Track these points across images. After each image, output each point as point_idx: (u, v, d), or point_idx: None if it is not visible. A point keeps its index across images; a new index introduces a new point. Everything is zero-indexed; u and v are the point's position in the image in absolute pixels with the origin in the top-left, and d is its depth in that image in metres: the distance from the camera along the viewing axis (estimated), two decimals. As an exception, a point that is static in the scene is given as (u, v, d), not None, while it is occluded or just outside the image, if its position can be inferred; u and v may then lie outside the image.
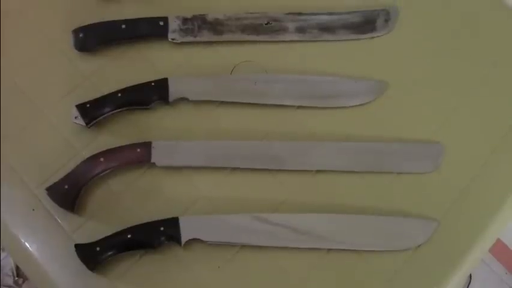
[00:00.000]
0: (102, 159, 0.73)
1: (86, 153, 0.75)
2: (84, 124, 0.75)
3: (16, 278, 1.22)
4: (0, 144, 0.76)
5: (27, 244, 0.73)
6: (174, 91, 0.77)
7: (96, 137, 0.77)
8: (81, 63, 0.81)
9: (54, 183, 0.72)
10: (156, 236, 0.70)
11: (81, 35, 0.80)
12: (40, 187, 0.74)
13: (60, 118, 0.78)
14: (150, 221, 0.71)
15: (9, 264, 1.18)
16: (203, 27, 0.82)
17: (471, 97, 0.82)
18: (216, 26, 0.82)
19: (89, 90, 0.80)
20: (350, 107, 0.80)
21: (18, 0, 0.85)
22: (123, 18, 0.82)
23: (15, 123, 0.78)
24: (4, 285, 1.20)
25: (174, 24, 0.81)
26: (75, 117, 0.75)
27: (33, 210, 0.74)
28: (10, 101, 0.79)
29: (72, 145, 0.77)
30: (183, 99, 0.78)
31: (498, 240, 1.23)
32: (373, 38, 0.85)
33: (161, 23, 0.81)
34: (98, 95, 0.78)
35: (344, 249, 0.72)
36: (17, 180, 0.75)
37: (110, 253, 0.69)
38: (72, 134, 0.77)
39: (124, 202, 0.74)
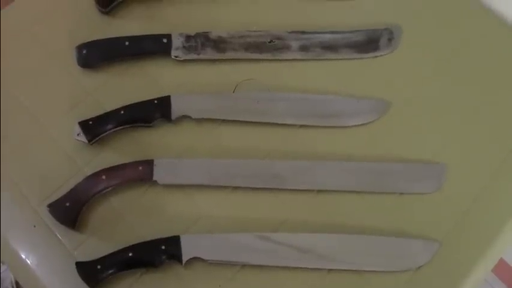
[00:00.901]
0: (104, 176, 0.74)
1: (88, 170, 0.77)
2: (86, 141, 0.77)
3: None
4: (2, 160, 0.77)
5: (27, 260, 0.74)
6: (176, 109, 0.78)
7: (98, 154, 0.78)
8: (84, 80, 0.83)
9: (56, 200, 0.73)
10: (157, 254, 0.71)
11: (84, 51, 0.82)
12: (42, 204, 0.75)
13: (63, 134, 0.79)
14: (151, 239, 0.72)
15: (9, 277, 1.19)
16: (206, 45, 0.83)
17: (474, 117, 0.83)
18: (219, 44, 0.84)
19: (92, 106, 0.81)
20: (352, 126, 0.81)
21: (22, 16, 0.86)
22: (126, 34, 0.84)
23: (18, 139, 0.79)
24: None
25: (177, 42, 0.83)
26: (78, 134, 0.77)
27: (35, 226, 0.75)
28: (12, 116, 0.80)
29: (74, 162, 0.78)
30: (186, 117, 0.79)
31: (501, 260, 1.24)
32: (376, 57, 0.86)
33: (164, 40, 0.83)
34: (100, 111, 0.79)
35: (345, 269, 0.73)
36: (19, 196, 0.76)
37: (110, 271, 0.70)
38: (74, 150, 0.78)
39: (125, 220, 0.75)
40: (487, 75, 0.86)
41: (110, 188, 0.75)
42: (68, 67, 0.83)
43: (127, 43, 0.82)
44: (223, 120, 0.80)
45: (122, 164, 0.76)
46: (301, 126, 0.81)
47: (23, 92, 0.82)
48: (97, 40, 0.83)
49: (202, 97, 0.80)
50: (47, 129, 0.80)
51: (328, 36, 0.86)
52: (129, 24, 0.87)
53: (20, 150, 0.79)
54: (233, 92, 0.83)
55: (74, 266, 0.70)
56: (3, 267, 0.73)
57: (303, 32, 0.86)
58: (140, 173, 0.75)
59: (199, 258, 0.71)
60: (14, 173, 0.77)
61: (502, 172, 0.79)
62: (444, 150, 0.81)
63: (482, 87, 0.85)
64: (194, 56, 0.83)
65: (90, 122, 0.77)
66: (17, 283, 1.18)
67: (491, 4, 0.90)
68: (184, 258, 0.71)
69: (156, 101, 0.79)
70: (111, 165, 0.76)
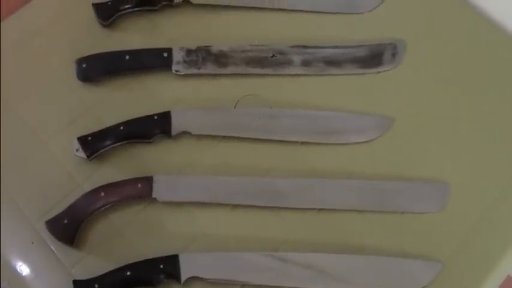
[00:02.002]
0: (102, 193, 0.75)
1: (87, 186, 0.77)
2: (85, 157, 0.77)
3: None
4: (0, 175, 0.78)
5: (25, 277, 0.74)
6: (176, 125, 0.79)
7: (97, 170, 0.79)
8: (84, 94, 0.84)
9: (54, 217, 0.74)
10: (156, 273, 0.71)
11: (84, 65, 0.83)
12: (40, 220, 0.76)
13: (62, 149, 0.80)
14: (150, 257, 0.72)
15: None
16: (207, 59, 0.84)
17: (479, 135, 0.83)
18: (220, 58, 0.84)
19: (91, 121, 0.82)
20: (355, 143, 0.81)
21: (21, 28, 0.87)
22: (127, 47, 0.85)
23: (16, 154, 0.80)
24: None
25: (178, 56, 0.84)
26: (77, 150, 0.77)
27: (32, 243, 0.76)
28: (11, 131, 0.81)
29: (73, 177, 0.79)
30: (186, 133, 0.80)
31: (508, 277, 1.24)
32: (379, 72, 0.86)
33: (165, 55, 0.83)
34: (100, 126, 0.80)
35: (345, 290, 0.73)
36: (17, 212, 0.77)
37: (108, 290, 0.70)
38: (73, 166, 0.79)
39: (124, 237, 0.76)
40: (493, 92, 0.86)
41: (109, 205, 0.75)
42: (67, 81, 0.84)
43: (127, 57, 0.83)
44: (224, 137, 0.81)
45: (121, 181, 0.76)
46: (303, 143, 0.81)
47: (21, 105, 0.83)
48: (97, 54, 0.83)
49: (202, 113, 0.80)
50: (46, 144, 0.81)
51: (330, 50, 0.86)
52: (129, 37, 0.88)
53: (18, 164, 0.79)
54: (234, 107, 0.83)
55: (72, 284, 0.71)
56: (3, 283, 0.74)
57: (305, 47, 0.86)
58: (139, 190, 0.76)
59: (198, 277, 0.72)
60: (12, 188, 0.78)
61: (507, 192, 0.80)
62: (448, 169, 0.81)
63: (488, 103, 0.85)
64: (195, 71, 0.84)
65: (89, 138, 0.78)
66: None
67: (497, 19, 0.90)
68: (183, 277, 0.72)
69: (156, 117, 0.79)
70: (110, 181, 0.76)
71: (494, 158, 0.82)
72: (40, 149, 0.80)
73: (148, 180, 0.76)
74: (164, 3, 0.88)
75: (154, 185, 0.76)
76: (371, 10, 0.92)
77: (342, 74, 0.86)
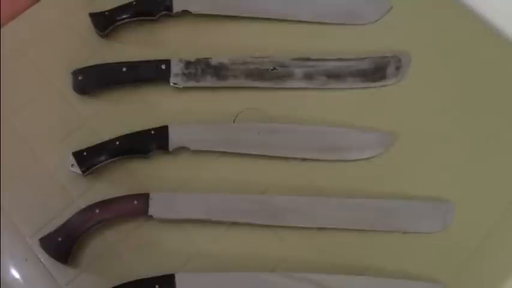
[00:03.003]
0: (97, 210, 0.74)
1: (82, 202, 0.77)
2: (80, 172, 0.76)
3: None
4: (-6, 190, 0.77)
5: (18, 295, 0.74)
6: (174, 140, 0.78)
7: (93, 186, 0.78)
8: (80, 106, 0.83)
9: (48, 234, 0.74)
10: (151, 294, 0.71)
11: (80, 78, 0.82)
12: (34, 236, 0.75)
13: (57, 164, 0.79)
14: (145, 276, 0.72)
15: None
16: (206, 72, 0.83)
17: (484, 152, 0.82)
18: (219, 71, 0.83)
19: (87, 134, 0.81)
20: (357, 160, 0.80)
21: (17, 39, 0.86)
22: (125, 57, 0.84)
23: (10, 168, 0.79)
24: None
25: (176, 68, 0.83)
26: (72, 165, 0.77)
27: (26, 260, 0.75)
28: (6, 144, 0.80)
29: (68, 193, 0.78)
30: (184, 149, 0.79)
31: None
32: (383, 86, 0.85)
33: (163, 67, 0.82)
34: (96, 139, 0.79)
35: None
36: (11, 228, 0.76)
37: (102, 311, 0.70)
38: (68, 181, 0.78)
39: (119, 255, 0.75)
40: (499, 107, 0.85)
41: (104, 223, 0.74)
42: (63, 93, 0.83)
43: (124, 69, 0.82)
44: (223, 152, 0.80)
45: (116, 198, 0.75)
46: (303, 159, 0.80)
47: (16, 117, 0.82)
48: (93, 66, 0.83)
49: (201, 128, 0.80)
50: (41, 158, 0.80)
51: (333, 63, 0.85)
52: (128, 48, 0.87)
53: (13, 179, 0.79)
54: (233, 122, 0.82)
55: (65, 304, 0.70)
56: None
57: (308, 59, 0.85)
58: (135, 208, 0.75)
59: (194, 298, 0.71)
60: (6, 203, 0.78)
61: (511, 211, 0.78)
62: (452, 187, 0.80)
63: (494, 119, 0.84)
64: (194, 84, 0.83)
65: (85, 153, 0.77)
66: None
67: (505, 31, 0.89)
68: (179, 298, 0.71)
69: (153, 132, 0.78)
70: (106, 197, 0.76)
71: (499, 176, 0.81)
72: (35, 163, 0.80)
73: (144, 198, 0.75)
74: (163, 13, 0.87)
75: (151, 203, 0.75)
76: (374, 21, 0.90)
77: (345, 88, 0.85)
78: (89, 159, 0.77)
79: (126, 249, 0.76)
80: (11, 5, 0.88)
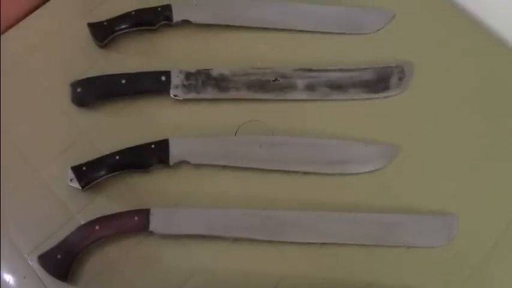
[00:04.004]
0: (97, 227, 0.74)
1: (82, 218, 0.76)
2: (79, 187, 0.75)
3: None
4: (-8, 206, 0.77)
5: (17, 312, 0.73)
6: (175, 154, 0.77)
7: (92, 201, 0.77)
8: (79, 119, 0.82)
9: (47, 251, 0.73)
10: (152, 312, 0.70)
11: (79, 90, 0.81)
12: (32, 253, 0.75)
13: (55, 178, 0.78)
14: (146, 294, 0.71)
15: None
16: (207, 83, 0.82)
17: (489, 165, 0.81)
18: (220, 82, 0.82)
19: (86, 147, 0.80)
20: (359, 173, 0.79)
21: (14, 49, 0.85)
22: (124, 68, 0.83)
23: (8, 183, 0.78)
24: None
25: (176, 80, 0.82)
26: (71, 180, 0.76)
27: (25, 277, 0.74)
28: (3, 158, 0.79)
29: (67, 208, 0.77)
30: (184, 162, 0.78)
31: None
32: (386, 97, 0.84)
33: (163, 78, 0.82)
34: (95, 153, 0.78)
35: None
36: (9, 245, 0.75)
37: (102, 330, 0.69)
38: (67, 196, 0.78)
39: (119, 271, 0.75)
40: (504, 118, 0.84)
41: (104, 239, 0.74)
42: (61, 105, 0.82)
43: (124, 81, 0.81)
44: (224, 166, 0.79)
45: (116, 214, 0.75)
46: (306, 173, 0.79)
47: (13, 130, 0.81)
48: (92, 77, 0.82)
49: (201, 141, 0.79)
50: (39, 172, 0.79)
51: (335, 74, 0.84)
52: (127, 58, 0.86)
53: (10, 195, 0.78)
54: (235, 134, 0.81)
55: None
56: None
57: (310, 70, 0.84)
58: (136, 224, 0.74)
59: (196, 316, 0.71)
60: (4, 219, 0.76)
61: (516, 225, 0.78)
62: (456, 200, 0.79)
63: (499, 132, 0.84)
64: (194, 95, 0.82)
65: (84, 168, 0.76)
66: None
67: (509, 41, 0.88)
68: (180, 316, 0.70)
69: (153, 146, 0.77)
70: (106, 212, 0.75)
71: (503, 189, 0.80)
72: (33, 177, 0.79)
73: (144, 213, 0.74)
74: (163, 23, 0.86)
75: (151, 218, 0.74)
76: (377, 30, 0.90)
77: (347, 99, 0.84)
78: (88, 174, 0.76)
79: (126, 265, 0.75)
80: (10, 12, 0.86)
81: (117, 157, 0.77)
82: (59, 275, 0.73)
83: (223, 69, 0.83)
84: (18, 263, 0.75)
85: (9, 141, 0.80)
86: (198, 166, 0.79)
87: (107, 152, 0.78)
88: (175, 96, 0.82)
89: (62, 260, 0.73)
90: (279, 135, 0.81)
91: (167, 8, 0.86)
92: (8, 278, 0.75)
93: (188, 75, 0.82)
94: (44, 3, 0.89)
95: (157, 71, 0.82)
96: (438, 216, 0.78)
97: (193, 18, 0.86)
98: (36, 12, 0.89)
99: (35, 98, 0.83)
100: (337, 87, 0.84)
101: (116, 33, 0.85)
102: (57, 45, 0.87)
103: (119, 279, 0.74)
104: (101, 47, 0.86)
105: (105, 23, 0.85)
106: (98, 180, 0.77)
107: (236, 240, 0.76)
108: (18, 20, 0.88)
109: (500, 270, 0.77)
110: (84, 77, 0.82)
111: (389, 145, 0.81)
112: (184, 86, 0.82)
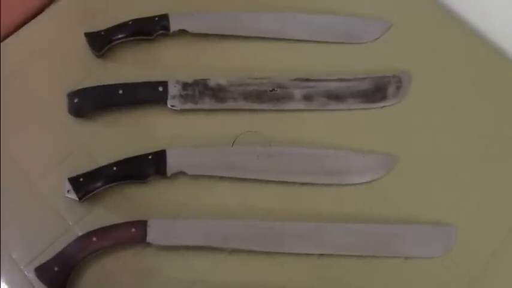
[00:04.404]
0: (94, 238, 0.74)
1: (79, 229, 0.76)
2: (77, 198, 0.76)
3: None
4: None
5: (13, 325, 0.73)
6: (172, 165, 0.77)
7: (89, 212, 0.77)
8: (76, 129, 0.82)
9: (44, 263, 0.73)
10: (150, 325, 0.70)
11: (76, 100, 0.81)
12: (29, 265, 0.75)
13: (52, 189, 0.78)
14: (143, 305, 0.71)
15: None
16: (204, 94, 0.82)
17: (487, 174, 0.82)
18: (218, 93, 0.82)
19: (83, 158, 0.80)
20: (357, 184, 0.79)
21: (9, 59, 0.85)
22: (122, 78, 0.83)
23: (4, 194, 0.78)
24: None
25: (174, 90, 0.82)
26: (68, 191, 0.76)
27: (21, 289, 0.74)
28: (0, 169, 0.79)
29: (64, 219, 0.77)
30: (182, 173, 0.78)
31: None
32: (383, 107, 0.84)
33: (160, 89, 0.82)
34: (92, 164, 0.78)
35: None
36: (5, 257, 0.75)
37: None
38: (64, 207, 0.78)
39: (117, 283, 0.75)
40: (503, 129, 0.85)
41: (101, 251, 0.74)
42: (58, 116, 0.82)
43: (121, 91, 0.81)
44: (221, 177, 0.79)
45: (113, 225, 0.75)
46: (303, 184, 0.79)
47: (10, 141, 0.81)
48: (89, 88, 0.82)
49: (199, 152, 0.79)
50: (35, 183, 0.79)
51: (333, 84, 0.85)
52: (124, 68, 0.86)
53: (7, 206, 0.78)
54: (232, 145, 0.81)
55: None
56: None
57: (307, 80, 0.85)
58: (133, 235, 0.74)
59: (193, 328, 0.71)
60: (1, 230, 0.76)
61: (515, 235, 0.78)
62: (454, 210, 0.80)
63: (498, 142, 0.84)
64: (191, 106, 0.82)
65: (81, 179, 0.76)
66: None
67: (508, 51, 0.88)
68: (178, 328, 0.70)
69: (150, 157, 0.78)
70: (103, 223, 0.75)
71: (502, 199, 0.81)
72: (29, 188, 0.79)
73: (142, 225, 0.75)
74: (160, 32, 0.86)
75: (149, 230, 0.74)
76: (374, 40, 0.90)
77: (345, 109, 0.84)
78: (85, 185, 0.76)
79: (124, 277, 0.75)
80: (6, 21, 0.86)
81: (115, 168, 0.77)
82: (56, 287, 0.73)
83: (221, 80, 0.84)
84: (15, 275, 0.75)
85: (6, 152, 0.80)
86: (196, 177, 0.79)
87: (104, 162, 0.78)
88: (172, 106, 0.82)
89: (59, 272, 0.73)
90: (276, 146, 0.81)
91: (164, 17, 0.86)
92: (5, 289, 0.74)
93: (185, 86, 0.83)
94: (40, 12, 0.89)
95: (154, 81, 0.82)
96: (436, 226, 0.78)
97: (190, 27, 0.86)
98: (33, 21, 0.89)
99: (31, 108, 0.83)
100: (335, 97, 0.84)
101: (113, 43, 0.85)
102: (53, 55, 0.87)
103: (116, 290, 0.74)
104: (98, 56, 0.86)
105: (102, 33, 0.85)
106: (95, 192, 0.77)
107: (234, 251, 0.76)
108: (14, 29, 0.88)
109: (499, 280, 0.77)
110: (81, 86, 0.82)
111: (387, 155, 0.81)
112: (181, 96, 0.82)
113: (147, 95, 0.82)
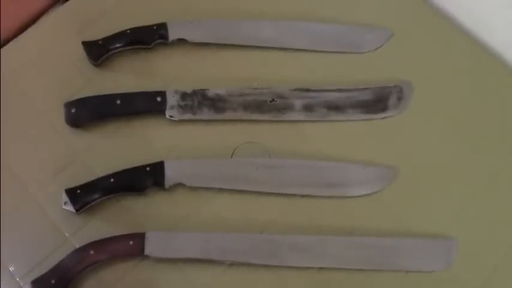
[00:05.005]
0: (92, 251, 0.73)
1: (76, 241, 0.76)
2: (74, 210, 0.75)
3: None
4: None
5: None
6: (170, 176, 0.77)
7: (87, 223, 0.77)
8: (73, 140, 0.82)
9: (40, 276, 0.72)
10: (147, 339, 0.70)
11: (73, 110, 0.80)
12: (25, 278, 0.74)
13: (49, 201, 0.78)
14: (141, 319, 0.71)
15: None
16: (203, 104, 0.82)
17: (489, 187, 0.82)
18: (217, 103, 0.82)
19: (81, 169, 0.80)
20: (357, 196, 0.79)
21: (6, 67, 0.85)
22: (119, 87, 0.83)
23: (1, 206, 0.77)
24: None
25: (172, 100, 0.82)
26: (65, 203, 0.76)
27: (18, 302, 0.74)
28: (-5, 180, 0.79)
29: (61, 231, 0.77)
30: (180, 185, 0.78)
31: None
32: (384, 118, 0.84)
33: (158, 99, 0.81)
34: (90, 175, 0.78)
35: None
36: (1, 269, 0.75)
37: None
38: (61, 219, 0.77)
39: (114, 296, 0.74)
40: (505, 140, 0.84)
41: (99, 263, 0.73)
42: (55, 126, 0.82)
43: (118, 101, 0.81)
44: (220, 189, 0.79)
45: (111, 238, 0.74)
46: (303, 196, 0.79)
47: (6, 151, 0.81)
48: (87, 98, 0.81)
49: (197, 163, 0.79)
50: (32, 194, 0.79)
51: (333, 94, 0.84)
52: (122, 77, 0.86)
53: (3, 217, 0.77)
54: (231, 156, 0.81)
55: None
56: None
57: (307, 90, 0.84)
58: (131, 248, 0.74)
59: None
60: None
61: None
62: (455, 224, 0.79)
63: (500, 153, 0.84)
64: (190, 116, 0.82)
65: (78, 191, 0.76)
66: None
67: (510, 61, 0.88)
68: None
69: (148, 168, 0.77)
70: (101, 235, 0.75)
71: (503, 213, 0.81)
72: (27, 199, 0.78)
73: (140, 237, 0.74)
74: (158, 41, 0.86)
75: (147, 242, 0.74)
76: (375, 49, 0.90)
77: (345, 120, 0.84)
78: (82, 197, 0.76)
79: (121, 289, 0.74)
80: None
81: (112, 180, 0.76)
82: (53, 300, 0.72)
83: (220, 90, 0.83)
84: (11, 287, 0.74)
85: (2, 162, 0.80)
86: (194, 189, 0.79)
87: (101, 173, 0.78)
88: (170, 116, 0.82)
89: (56, 285, 0.72)
90: (276, 157, 0.81)
91: (163, 26, 0.86)
92: (0, 303, 0.74)
93: (184, 96, 0.82)
94: (36, 20, 0.89)
95: (152, 91, 0.82)
96: (437, 240, 0.78)
97: (189, 36, 0.86)
98: (29, 30, 0.89)
99: (28, 118, 0.83)
100: (335, 107, 0.84)
101: (111, 52, 0.85)
102: (50, 64, 0.86)
103: (114, 304, 0.74)
104: (96, 65, 0.86)
105: (99, 42, 0.85)
106: (92, 203, 0.76)
107: (233, 264, 0.76)
108: (12, 37, 0.87)
109: (500, 294, 0.76)
110: (78, 96, 0.82)
111: (388, 167, 0.81)
112: (180, 106, 0.82)
113: (145, 105, 0.82)
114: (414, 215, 0.80)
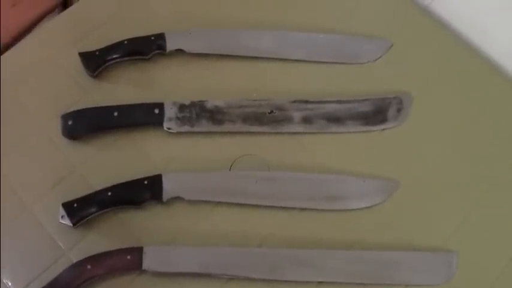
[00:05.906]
0: (89, 266, 0.73)
1: (73, 255, 0.76)
2: (71, 224, 0.75)
3: None
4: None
5: None
6: (168, 190, 0.77)
7: (84, 237, 0.77)
8: (70, 152, 0.82)
9: (37, 291, 0.72)
10: None
11: (70, 122, 0.81)
12: (22, 292, 0.74)
13: (46, 214, 0.78)
14: (138, 335, 0.71)
15: None
16: (202, 116, 0.82)
17: (490, 199, 0.82)
18: (215, 115, 0.82)
19: (78, 182, 0.80)
20: (357, 209, 0.80)
21: (3, 80, 0.85)
22: (117, 99, 0.84)
23: (-3, 219, 0.78)
24: None
25: (170, 112, 0.82)
26: (62, 217, 0.76)
27: (14, 318, 0.74)
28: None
29: (58, 245, 0.77)
30: (178, 198, 0.78)
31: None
32: (384, 129, 0.85)
33: (156, 111, 0.82)
34: (87, 188, 0.78)
35: None
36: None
37: None
38: (58, 233, 0.77)
39: (111, 311, 0.74)
40: (506, 151, 0.85)
41: (96, 278, 0.74)
42: (52, 138, 0.82)
43: (116, 113, 0.81)
44: (219, 202, 0.79)
45: (108, 252, 0.75)
46: (303, 209, 0.79)
47: (2, 164, 0.81)
48: (83, 109, 0.82)
49: (195, 177, 0.79)
50: (29, 208, 0.79)
51: (333, 106, 0.85)
52: (119, 88, 0.86)
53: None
54: (230, 169, 0.81)
55: None
56: None
57: (306, 102, 0.85)
58: (128, 262, 0.74)
59: None
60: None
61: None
62: (456, 237, 0.80)
63: (501, 165, 0.84)
64: (188, 129, 0.82)
65: (75, 205, 0.76)
66: None
67: (511, 72, 0.89)
68: None
69: (145, 181, 0.78)
70: (98, 249, 0.75)
71: (504, 225, 0.81)
72: (23, 212, 0.79)
73: (137, 252, 0.75)
74: (156, 52, 0.87)
75: (144, 256, 0.74)
76: (374, 60, 0.90)
77: (345, 132, 0.84)
78: (79, 211, 0.76)
79: (118, 305, 0.75)
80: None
81: (109, 193, 0.77)
82: (49, 316, 0.73)
83: (218, 101, 0.84)
84: (7, 302, 0.74)
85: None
86: (192, 202, 0.79)
87: (98, 186, 0.78)
88: (168, 129, 0.82)
89: (53, 300, 0.72)
90: (275, 170, 0.81)
91: (160, 36, 0.86)
92: (-4, 318, 0.74)
93: (182, 108, 0.83)
94: (30, 29, 0.89)
95: (150, 103, 0.83)
96: (437, 253, 0.78)
97: (187, 47, 0.86)
98: (25, 40, 0.89)
99: (24, 130, 0.83)
100: (335, 119, 0.84)
101: (108, 63, 0.85)
102: (47, 76, 0.86)
103: (111, 319, 0.74)
104: (93, 77, 0.86)
105: (97, 53, 0.85)
106: (89, 217, 0.76)
107: (232, 279, 0.76)
108: (9, 45, 0.88)
109: (501, 308, 0.77)
110: (75, 108, 0.83)
111: (388, 180, 0.82)
112: (178, 118, 0.82)
113: (142, 117, 0.82)
114: (414, 228, 0.80)
